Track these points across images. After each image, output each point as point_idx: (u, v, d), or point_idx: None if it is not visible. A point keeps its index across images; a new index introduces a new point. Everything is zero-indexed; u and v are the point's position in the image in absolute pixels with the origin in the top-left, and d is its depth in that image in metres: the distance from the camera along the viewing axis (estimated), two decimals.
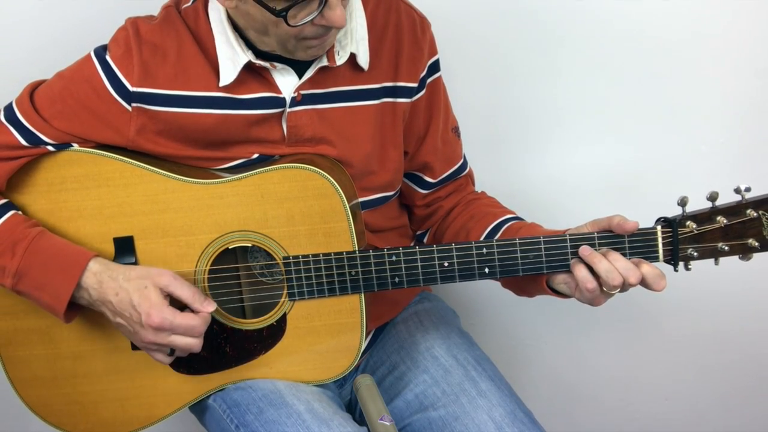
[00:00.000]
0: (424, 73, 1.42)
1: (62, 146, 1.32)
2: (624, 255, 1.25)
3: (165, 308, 1.24)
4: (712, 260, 1.26)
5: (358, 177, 1.38)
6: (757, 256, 1.26)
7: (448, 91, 1.51)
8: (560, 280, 1.30)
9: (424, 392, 1.40)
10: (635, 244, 1.25)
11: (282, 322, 1.34)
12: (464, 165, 1.54)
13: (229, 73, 1.30)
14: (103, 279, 1.26)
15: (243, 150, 1.35)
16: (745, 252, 1.24)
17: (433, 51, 1.44)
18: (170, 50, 1.31)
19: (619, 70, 1.75)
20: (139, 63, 1.29)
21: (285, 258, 1.31)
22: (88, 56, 1.32)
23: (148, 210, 1.31)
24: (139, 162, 1.31)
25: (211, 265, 1.33)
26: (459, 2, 1.69)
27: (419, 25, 1.41)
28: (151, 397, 1.38)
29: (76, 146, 1.32)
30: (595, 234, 1.25)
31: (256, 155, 1.35)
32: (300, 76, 1.33)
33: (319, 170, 1.28)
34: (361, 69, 1.36)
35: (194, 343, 1.27)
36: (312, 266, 1.31)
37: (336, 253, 1.30)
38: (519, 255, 1.27)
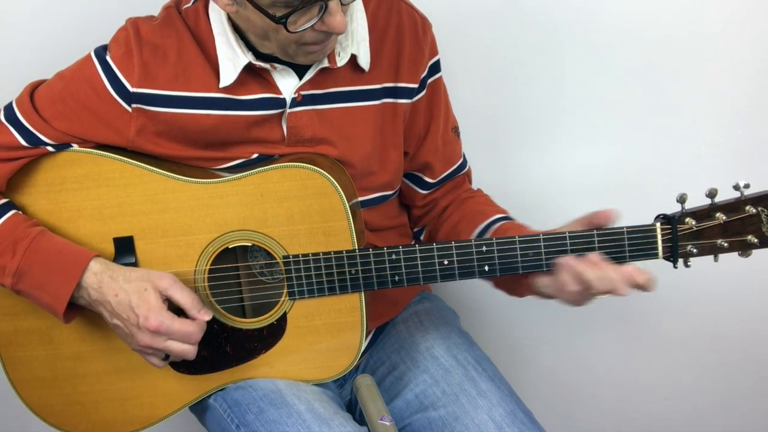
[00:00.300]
0: (425, 73, 1.42)
1: (62, 146, 1.32)
2: (623, 252, 1.25)
3: (163, 312, 1.24)
4: (711, 257, 1.26)
5: (358, 177, 1.38)
6: (756, 256, 1.26)
7: (448, 91, 1.51)
8: (543, 283, 1.30)
9: (424, 392, 1.40)
10: (634, 241, 1.25)
11: (282, 321, 1.34)
12: (463, 164, 1.55)
13: (229, 74, 1.30)
14: (104, 279, 1.26)
15: (243, 150, 1.35)
16: (744, 248, 1.25)
17: (434, 52, 1.45)
18: (170, 51, 1.31)
19: (618, 70, 1.75)
20: (139, 63, 1.29)
21: (285, 257, 1.31)
22: (89, 56, 1.32)
23: (148, 210, 1.31)
24: (139, 162, 1.31)
25: (211, 265, 1.33)
26: (458, 2, 1.69)
27: (420, 25, 1.41)
28: (152, 397, 1.38)
29: (75, 146, 1.32)
30: (595, 232, 1.25)
31: (255, 155, 1.35)
32: (300, 77, 1.33)
33: (318, 169, 1.28)
34: (361, 70, 1.36)
35: (189, 350, 1.27)
36: (312, 265, 1.31)
37: (336, 252, 1.30)
38: (519, 253, 1.27)
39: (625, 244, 1.25)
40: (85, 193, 1.32)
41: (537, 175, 1.82)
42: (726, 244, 1.24)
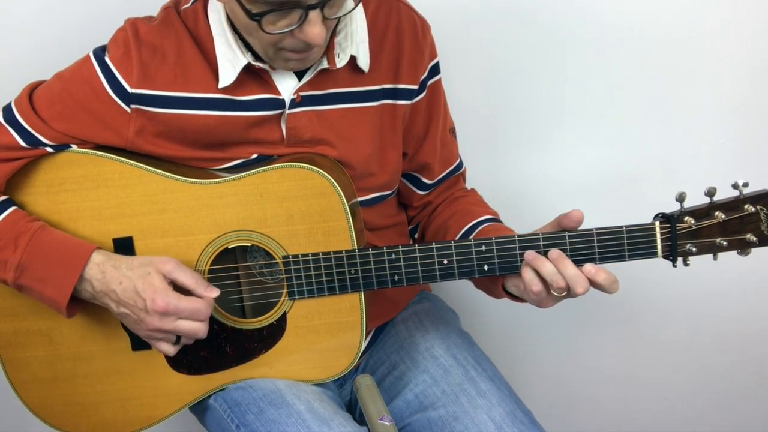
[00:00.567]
0: (424, 75, 1.42)
1: (61, 147, 1.32)
2: (623, 251, 1.25)
3: (169, 292, 1.24)
4: (710, 256, 1.26)
5: (357, 178, 1.38)
6: (756, 256, 1.26)
7: (446, 92, 1.51)
8: (511, 283, 1.32)
9: (423, 392, 1.40)
10: (634, 240, 1.25)
11: (282, 321, 1.34)
12: (460, 165, 1.55)
13: (228, 74, 1.30)
14: (107, 269, 1.26)
15: (242, 151, 1.35)
16: (743, 247, 1.24)
17: (434, 54, 1.45)
18: (169, 51, 1.31)
19: (617, 70, 1.75)
20: (138, 64, 1.29)
21: (284, 257, 1.31)
22: (87, 57, 1.32)
23: (148, 210, 1.31)
24: (138, 162, 1.31)
25: (210, 265, 1.33)
26: (457, 3, 1.69)
27: (420, 27, 1.41)
28: (152, 398, 1.38)
29: (74, 147, 1.32)
30: (594, 230, 1.25)
31: (255, 155, 1.35)
32: (299, 78, 1.33)
33: (317, 169, 1.28)
34: (361, 71, 1.36)
35: (200, 328, 1.26)
36: (311, 265, 1.31)
37: (335, 252, 1.30)
38: (518, 252, 1.27)
39: (624, 243, 1.25)
40: (85, 193, 1.32)
41: (536, 175, 1.83)
42: (725, 243, 1.24)
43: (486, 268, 1.28)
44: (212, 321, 1.31)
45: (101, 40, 1.34)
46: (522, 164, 1.82)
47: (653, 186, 1.80)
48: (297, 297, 1.32)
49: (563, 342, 1.98)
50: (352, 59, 1.34)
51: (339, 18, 1.24)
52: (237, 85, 1.31)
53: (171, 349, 1.29)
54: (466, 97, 1.70)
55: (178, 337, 1.28)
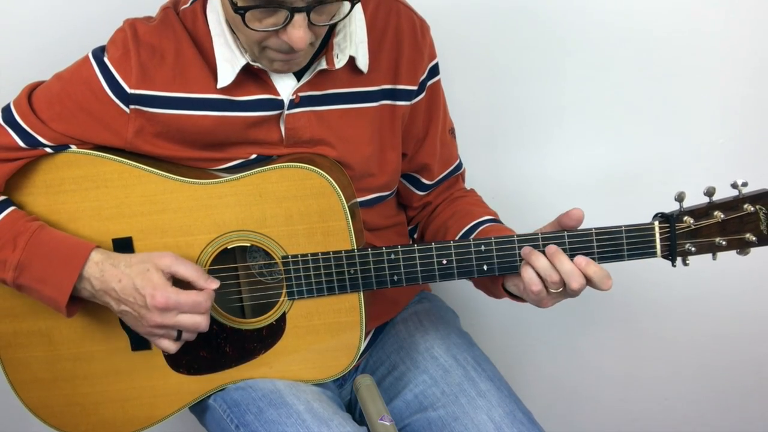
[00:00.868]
0: (424, 76, 1.42)
1: (60, 148, 1.32)
2: (622, 251, 1.25)
3: (168, 288, 1.24)
4: (710, 256, 1.26)
5: (356, 179, 1.38)
6: (755, 255, 1.26)
7: (445, 92, 1.51)
8: (511, 283, 1.31)
9: (423, 392, 1.40)
10: (633, 240, 1.25)
11: (281, 321, 1.34)
12: (459, 165, 1.55)
13: (227, 74, 1.30)
14: (105, 267, 1.26)
15: (241, 151, 1.35)
16: (743, 247, 1.24)
17: (433, 55, 1.45)
18: (168, 52, 1.31)
19: (617, 70, 1.75)
20: (137, 65, 1.29)
21: (284, 257, 1.31)
22: (86, 58, 1.32)
23: (147, 211, 1.31)
24: (137, 163, 1.31)
25: (210, 265, 1.33)
26: (457, 3, 1.69)
27: (419, 28, 1.41)
28: (152, 398, 1.38)
29: (74, 148, 1.32)
30: (593, 230, 1.25)
31: (254, 156, 1.35)
32: (298, 79, 1.33)
33: (317, 169, 1.28)
34: (360, 71, 1.36)
35: (201, 321, 1.26)
36: (311, 265, 1.31)
37: (335, 252, 1.30)
38: (518, 252, 1.27)
39: (623, 243, 1.25)
40: (84, 194, 1.32)
41: (536, 175, 1.83)
42: (724, 243, 1.24)
43: (485, 268, 1.28)
44: (212, 321, 1.31)
45: (100, 40, 1.34)
46: (522, 164, 1.82)
47: (652, 186, 1.80)
48: (296, 297, 1.33)
49: (563, 342, 1.98)
50: (351, 60, 1.34)
51: (329, 24, 1.24)
52: (236, 86, 1.31)
53: (172, 346, 1.29)
54: (466, 98, 1.71)
55: (180, 333, 1.28)
